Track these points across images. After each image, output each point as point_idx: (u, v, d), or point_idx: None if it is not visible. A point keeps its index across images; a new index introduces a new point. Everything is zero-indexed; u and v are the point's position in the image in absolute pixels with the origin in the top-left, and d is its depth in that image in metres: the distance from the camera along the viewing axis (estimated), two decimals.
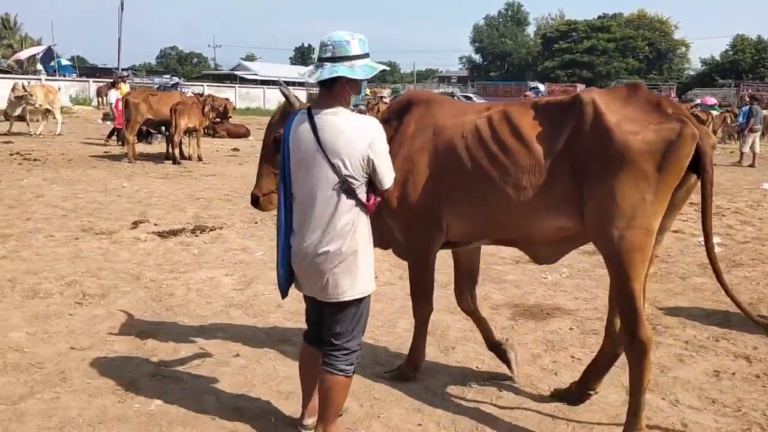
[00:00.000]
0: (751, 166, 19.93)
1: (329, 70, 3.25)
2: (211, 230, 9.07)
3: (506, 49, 79.05)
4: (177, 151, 16.36)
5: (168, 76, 44.51)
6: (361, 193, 3.34)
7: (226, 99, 21.51)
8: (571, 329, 5.67)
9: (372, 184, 3.41)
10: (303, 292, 3.55)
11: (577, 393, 4.31)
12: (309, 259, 3.33)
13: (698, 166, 3.52)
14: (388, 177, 3.38)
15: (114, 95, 21.23)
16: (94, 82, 42.39)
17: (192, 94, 21.33)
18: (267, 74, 66.61)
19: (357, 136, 3.26)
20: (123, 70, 32.66)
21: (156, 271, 7.04)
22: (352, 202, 3.31)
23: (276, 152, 3.72)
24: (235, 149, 20.52)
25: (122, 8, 29.73)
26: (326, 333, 3.48)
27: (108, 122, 28.40)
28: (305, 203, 3.33)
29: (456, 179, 4.01)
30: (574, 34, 71.65)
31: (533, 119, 3.85)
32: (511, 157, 3.82)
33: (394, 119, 4.31)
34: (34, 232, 8.63)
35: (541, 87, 50.27)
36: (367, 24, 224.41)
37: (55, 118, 22.69)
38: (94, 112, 34.87)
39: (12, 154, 16.70)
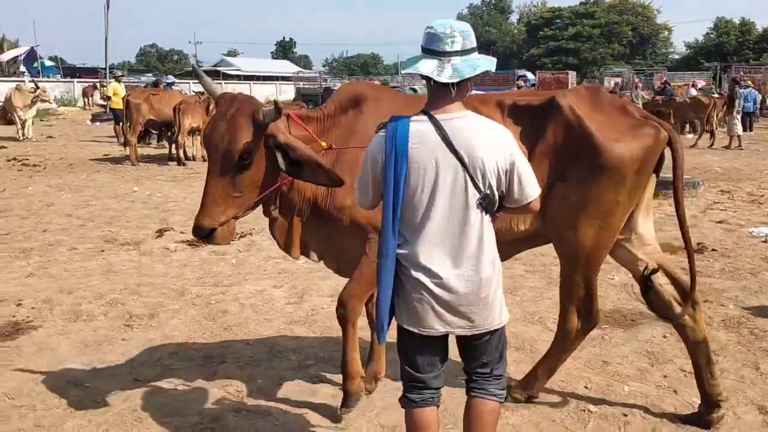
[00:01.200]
0: (739, 147, 19.57)
1: (472, 65, 2.72)
2: (241, 237, 8.58)
3: (491, 38, 78.57)
4: (182, 152, 15.78)
5: (150, 75, 43.76)
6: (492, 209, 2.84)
7: None
8: (665, 337, 5.25)
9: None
10: (426, 332, 2.77)
11: (705, 414, 3.92)
12: (459, 289, 2.72)
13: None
14: (535, 188, 2.88)
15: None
16: (78, 82, 41.55)
17: (193, 93, 20.76)
18: (251, 69, 65.78)
19: (496, 145, 2.71)
20: (111, 69, 31.82)
21: (199, 286, 6.55)
22: (488, 219, 2.81)
23: (242, 168, 3.26)
24: None
25: (108, 6, 28.88)
26: (471, 365, 2.99)
27: (97, 123, 27.83)
28: (438, 228, 2.69)
29: None
30: (558, 21, 71.29)
31: (503, 120, 3.67)
32: None
33: (340, 115, 3.84)
34: (55, 245, 8.11)
35: (530, 75, 49.67)
36: (350, 15, 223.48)
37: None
38: (81, 113, 34.15)
39: (9, 160, 16.09)
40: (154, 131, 17.53)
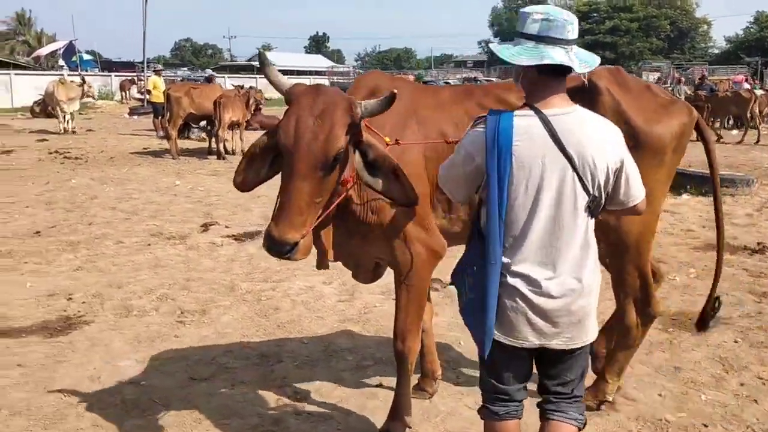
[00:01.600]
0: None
1: (591, 54, 2.53)
2: None
3: None
4: (222, 146, 15.75)
5: (184, 69, 43.93)
6: (597, 212, 2.60)
7: (258, 90, 20.69)
8: (736, 342, 5.02)
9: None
10: (519, 344, 2.54)
11: None
12: (559, 297, 2.49)
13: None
14: (642, 188, 2.62)
15: None
16: (116, 76, 41.92)
17: (232, 87, 20.76)
18: (284, 64, 65.80)
19: (607, 143, 2.49)
20: (147, 63, 32.00)
21: (248, 281, 6.45)
22: (592, 222, 2.60)
23: (331, 169, 2.76)
24: None
25: (146, 1, 28.99)
26: (550, 383, 2.77)
27: (135, 117, 28.00)
28: (541, 232, 2.46)
29: None
30: (595, 14, 70.35)
31: None
32: None
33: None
34: (101, 238, 8.07)
35: None
36: (384, 10, 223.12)
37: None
38: (119, 107, 34.45)
39: (51, 153, 16.19)
40: (194, 125, 17.52)
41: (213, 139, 16.32)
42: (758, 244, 7.81)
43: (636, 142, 3.42)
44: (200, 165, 14.99)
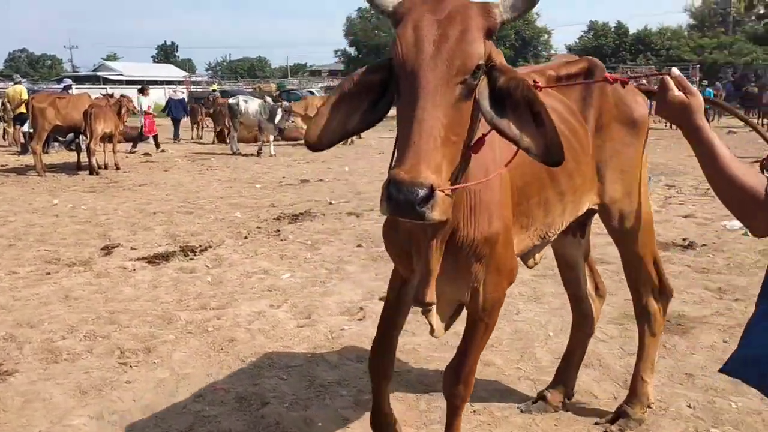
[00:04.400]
0: None
1: None
2: (202, 251, 7.70)
3: (381, 42, 78.55)
4: (94, 160, 14.45)
5: (18, 77, 40.97)
6: None
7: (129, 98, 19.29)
8: (726, 342, 4.88)
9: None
10: None
11: None
12: None
13: None
14: None
15: (145, 102, 19.68)
16: None
17: (101, 96, 19.24)
18: (132, 74, 62.91)
19: None
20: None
21: (184, 310, 5.68)
22: None
23: (467, 93, 2.03)
24: (147, 154, 18.75)
25: None
26: None
27: None
28: None
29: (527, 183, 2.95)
30: None
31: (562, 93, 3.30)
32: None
33: None
34: None
35: None
36: (237, 20, 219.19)
37: None
38: None
39: None
40: (60, 138, 16.04)
41: (83, 153, 14.95)
42: (684, 240, 7.90)
43: (631, 122, 3.53)
44: (73, 181, 13.66)
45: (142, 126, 19.41)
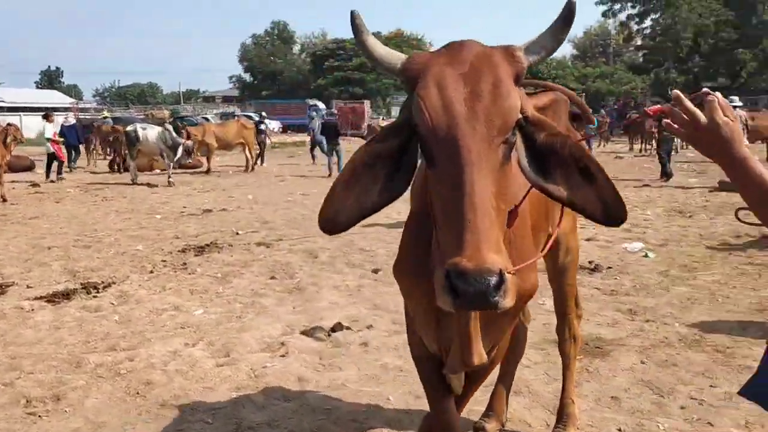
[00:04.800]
0: None
1: None
2: (106, 287, 7.33)
3: (276, 68, 78.38)
4: None
5: None
6: None
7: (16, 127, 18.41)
8: (644, 363, 5.00)
9: None
10: None
11: None
12: None
13: None
14: None
15: (50, 128, 19.43)
16: None
17: None
18: (13, 100, 60.03)
19: None
20: None
21: (93, 352, 5.35)
22: None
23: (507, 154, 1.85)
24: (35, 185, 17.87)
25: None
26: None
27: None
28: None
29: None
30: (342, 52, 72.79)
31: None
32: None
33: None
34: None
35: (321, 105, 50.63)
36: (123, 43, 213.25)
37: None
38: None
39: None
40: None
41: None
42: (590, 262, 8.12)
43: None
44: None
45: (52, 152, 19.38)
